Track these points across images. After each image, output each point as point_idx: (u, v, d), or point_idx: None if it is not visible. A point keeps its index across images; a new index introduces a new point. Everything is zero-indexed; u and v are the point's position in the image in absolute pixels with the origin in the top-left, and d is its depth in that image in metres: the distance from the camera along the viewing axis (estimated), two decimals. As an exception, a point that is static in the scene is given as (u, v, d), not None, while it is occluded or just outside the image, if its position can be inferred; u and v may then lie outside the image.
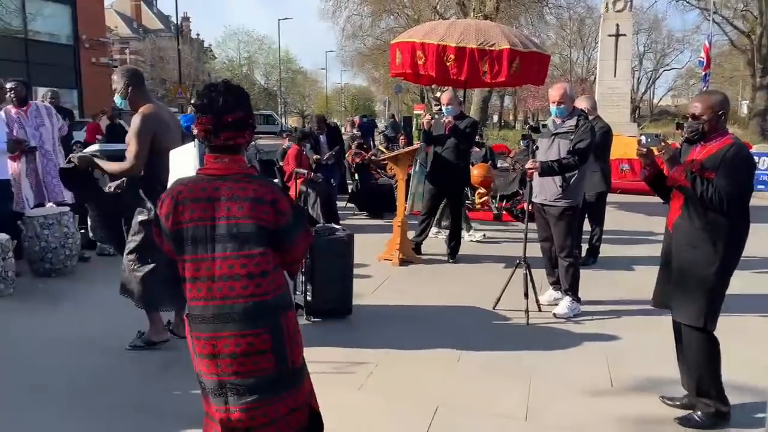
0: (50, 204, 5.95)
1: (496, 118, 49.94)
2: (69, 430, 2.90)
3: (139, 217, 3.74)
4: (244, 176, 2.00)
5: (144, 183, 3.71)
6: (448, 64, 7.21)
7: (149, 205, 3.71)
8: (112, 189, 3.86)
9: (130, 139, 3.60)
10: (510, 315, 4.66)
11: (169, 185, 3.75)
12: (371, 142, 17.29)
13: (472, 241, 7.28)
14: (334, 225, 5.15)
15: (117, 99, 3.79)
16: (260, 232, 1.95)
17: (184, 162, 3.84)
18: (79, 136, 13.59)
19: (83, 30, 25.31)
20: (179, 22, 34.82)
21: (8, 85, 5.78)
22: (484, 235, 7.43)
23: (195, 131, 2.05)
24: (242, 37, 54.66)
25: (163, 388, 3.35)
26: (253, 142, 15.41)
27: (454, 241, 6.39)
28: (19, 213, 5.64)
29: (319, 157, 8.46)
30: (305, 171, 7.68)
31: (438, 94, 10.30)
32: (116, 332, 4.01)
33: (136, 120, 3.61)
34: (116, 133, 8.28)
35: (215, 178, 1.98)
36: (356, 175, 9.72)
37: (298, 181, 7.37)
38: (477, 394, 3.37)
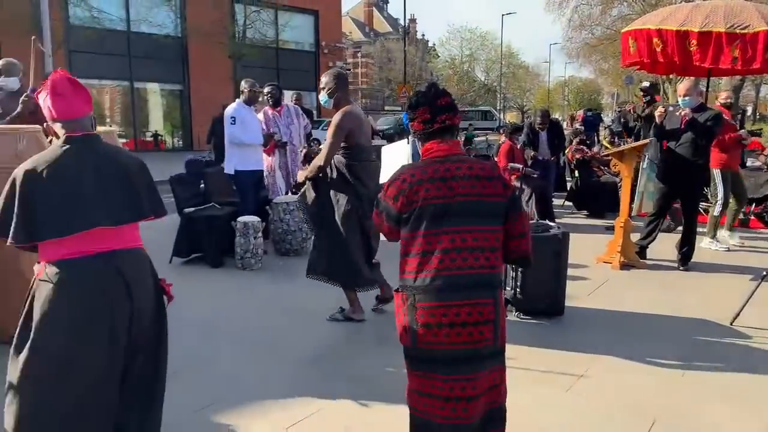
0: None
1: (750, 110, 43.54)
2: (291, 392, 3.28)
3: (343, 209, 4.10)
4: (467, 157, 2.23)
5: (339, 176, 4.10)
6: (691, 50, 6.54)
7: (341, 198, 4.09)
8: (307, 183, 4.29)
9: (329, 130, 4.08)
10: (752, 333, 4.08)
11: (383, 176, 4.07)
12: (595, 138, 16.36)
13: (711, 249, 6.51)
14: (548, 222, 5.02)
15: (323, 97, 4.24)
16: (497, 206, 2.14)
17: (397, 156, 4.15)
18: (319, 134, 15.19)
19: (323, 37, 28.22)
20: (406, 24, 36.67)
21: (266, 89, 6.69)
22: (728, 248, 6.57)
23: (414, 127, 2.29)
24: (465, 34, 55.58)
25: (377, 363, 3.61)
26: (484, 137, 15.73)
27: (686, 247, 5.76)
28: (269, 199, 6.54)
29: (536, 153, 8.25)
30: (519, 166, 7.57)
31: (645, 84, 9.26)
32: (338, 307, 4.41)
33: (337, 116, 4.08)
34: None
35: (444, 159, 2.17)
36: (576, 172, 9.28)
37: (511, 176, 7.30)
38: (703, 416, 3.03)
